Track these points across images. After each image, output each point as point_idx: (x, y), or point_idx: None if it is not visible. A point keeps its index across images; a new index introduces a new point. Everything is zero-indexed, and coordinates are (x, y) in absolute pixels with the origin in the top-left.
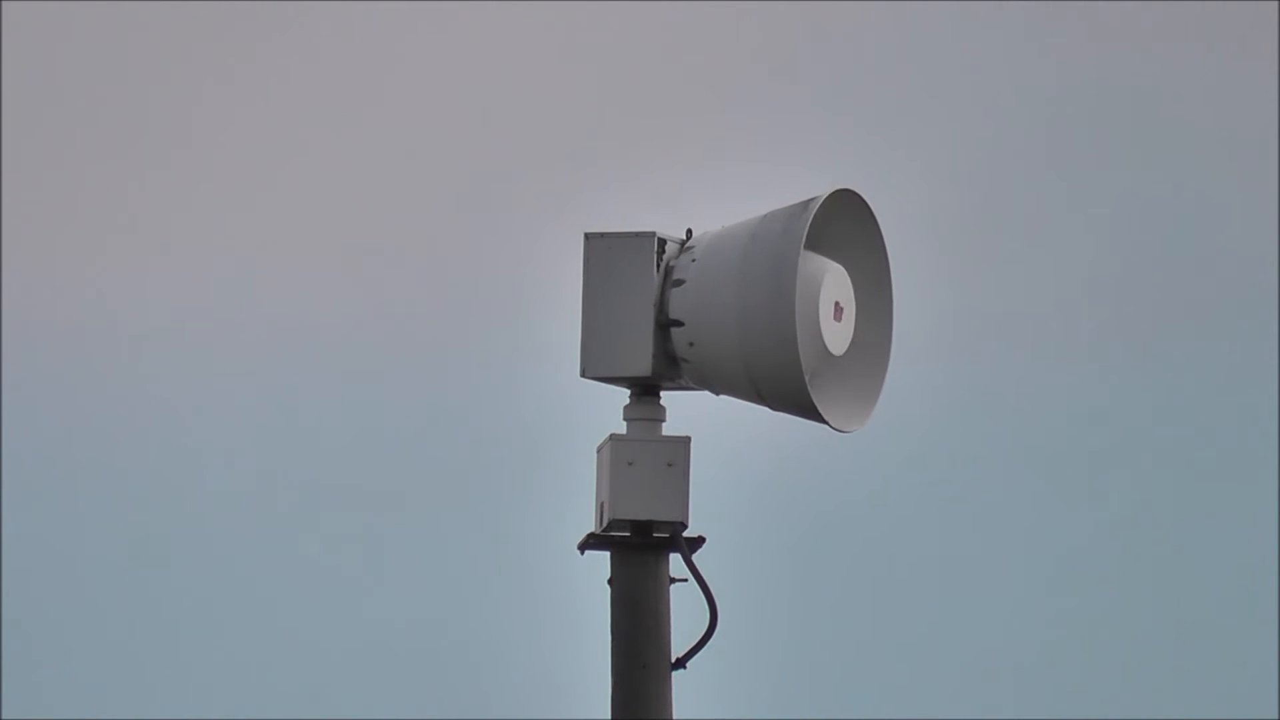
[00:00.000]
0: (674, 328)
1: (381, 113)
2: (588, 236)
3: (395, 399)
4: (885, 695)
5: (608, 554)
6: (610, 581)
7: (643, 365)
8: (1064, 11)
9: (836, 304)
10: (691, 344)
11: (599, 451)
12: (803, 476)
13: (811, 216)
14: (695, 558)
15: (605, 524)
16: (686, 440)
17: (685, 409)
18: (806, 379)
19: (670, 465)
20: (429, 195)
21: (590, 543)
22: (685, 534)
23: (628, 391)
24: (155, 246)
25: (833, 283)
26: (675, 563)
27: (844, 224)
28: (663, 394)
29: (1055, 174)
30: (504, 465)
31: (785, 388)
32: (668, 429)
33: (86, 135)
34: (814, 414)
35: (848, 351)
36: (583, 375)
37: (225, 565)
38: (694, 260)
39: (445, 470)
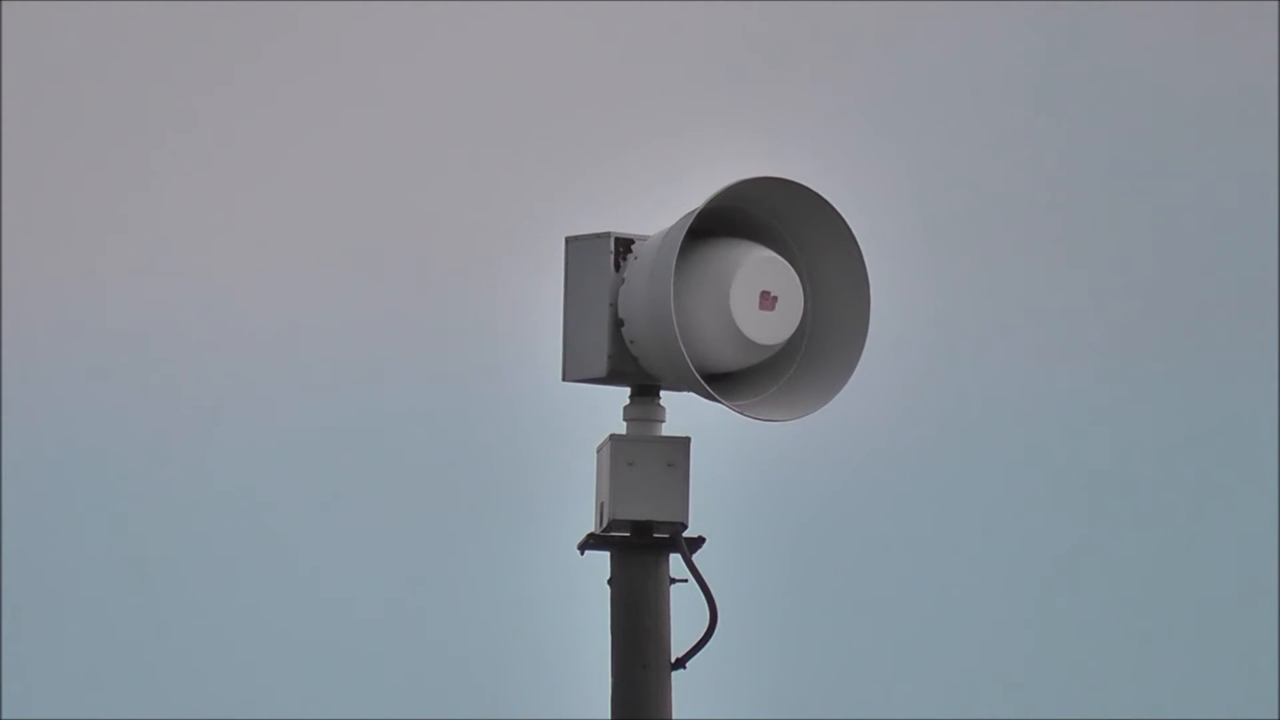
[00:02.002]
0: (622, 327)
1: (372, 116)
2: (568, 240)
3: (393, 400)
4: (885, 695)
5: (608, 554)
6: (610, 582)
7: (599, 367)
8: (1064, 11)
9: (765, 293)
10: (632, 341)
11: (599, 452)
12: (802, 476)
13: (701, 207)
14: (695, 558)
15: (605, 524)
16: (686, 440)
17: (685, 409)
18: (691, 365)
19: (670, 465)
20: (430, 194)
21: (590, 543)
22: (685, 534)
23: (628, 391)
24: (150, 248)
25: (756, 272)
26: (675, 563)
27: (815, 219)
28: (662, 394)
29: (1053, 173)
30: (504, 466)
31: (684, 377)
32: (668, 429)
33: (85, 135)
34: (716, 400)
35: (813, 342)
36: (564, 379)
37: (222, 567)
38: (635, 259)
39: (445, 470)
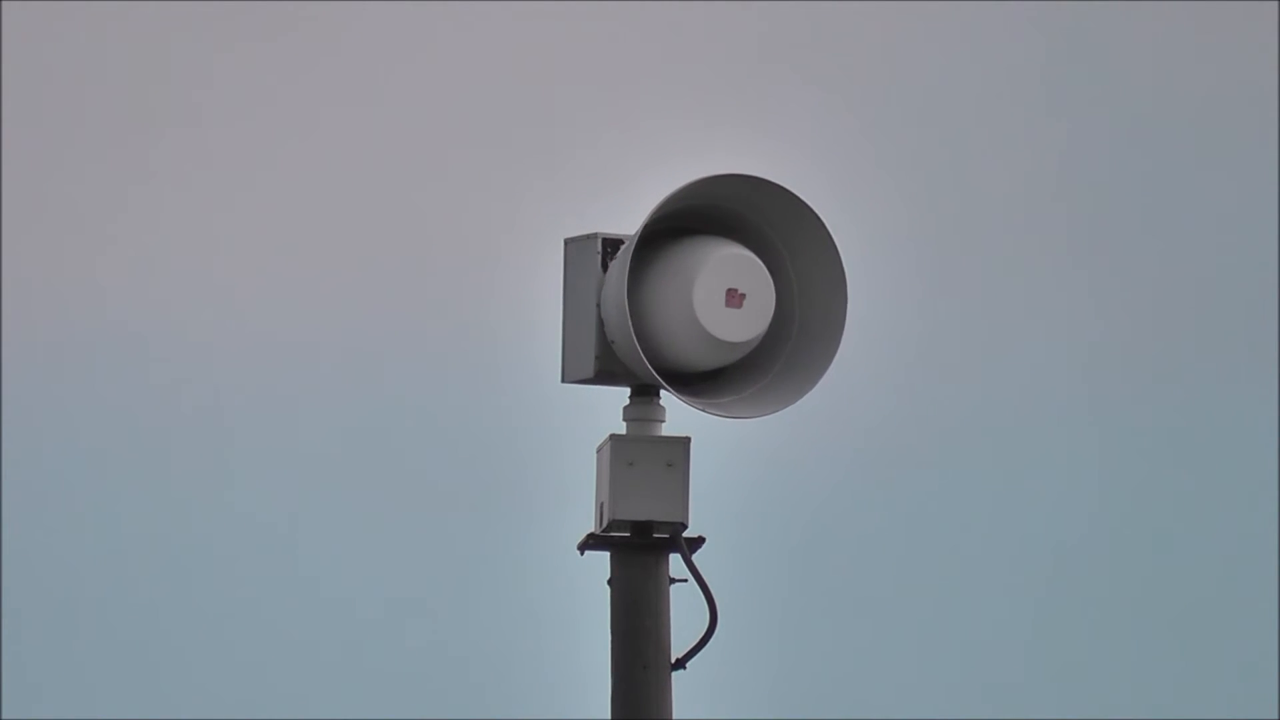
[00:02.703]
0: (604, 327)
1: (373, 116)
2: (566, 242)
3: (394, 400)
4: (885, 695)
5: (608, 554)
6: (610, 582)
7: (588, 369)
8: (1064, 11)
9: (732, 290)
10: (612, 341)
11: (599, 452)
12: (803, 476)
13: (657, 210)
14: (695, 558)
15: (605, 524)
16: (686, 440)
17: (685, 409)
18: (645, 360)
19: (670, 465)
20: (432, 194)
21: (590, 543)
22: (685, 534)
23: (628, 391)
24: (150, 248)
25: (721, 269)
26: (675, 563)
27: (795, 218)
28: (663, 394)
29: (1053, 172)
30: (504, 466)
31: (644, 373)
32: (668, 429)
33: (85, 135)
34: (673, 394)
35: (799, 341)
36: (563, 381)
37: (221, 567)
38: (614, 259)
39: (446, 471)
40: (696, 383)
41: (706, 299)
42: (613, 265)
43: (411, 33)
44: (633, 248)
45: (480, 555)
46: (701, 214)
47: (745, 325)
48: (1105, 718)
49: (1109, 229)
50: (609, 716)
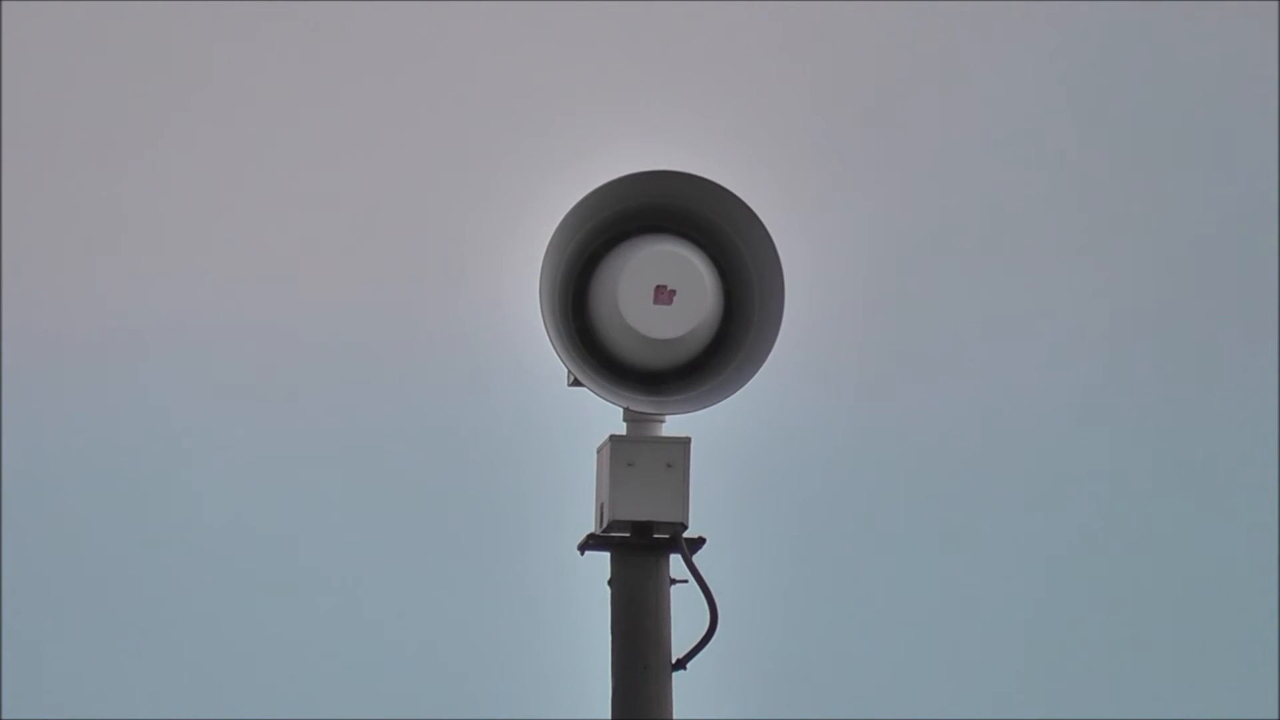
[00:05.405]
0: None
1: (376, 114)
2: None
3: (395, 400)
4: (885, 695)
5: (608, 555)
6: (610, 582)
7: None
8: (1062, 11)
9: (660, 287)
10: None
11: (599, 452)
12: (803, 477)
13: (575, 204)
14: (696, 559)
15: (605, 525)
16: (686, 441)
17: (684, 409)
18: (559, 353)
19: (670, 466)
20: (436, 191)
21: (590, 543)
22: (685, 535)
23: None
24: (150, 248)
25: (648, 266)
26: (675, 564)
27: (737, 214)
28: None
29: (1053, 173)
30: (504, 466)
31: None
32: (668, 430)
33: (85, 134)
34: (598, 394)
35: (757, 338)
36: (569, 385)
37: (221, 567)
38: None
39: (447, 471)
40: (671, 380)
41: (632, 296)
42: None
43: (413, 32)
44: (565, 249)
45: (480, 555)
46: (671, 214)
47: (675, 322)
48: (1105, 718)
49: (1111, 229)
50: (609, 717)
